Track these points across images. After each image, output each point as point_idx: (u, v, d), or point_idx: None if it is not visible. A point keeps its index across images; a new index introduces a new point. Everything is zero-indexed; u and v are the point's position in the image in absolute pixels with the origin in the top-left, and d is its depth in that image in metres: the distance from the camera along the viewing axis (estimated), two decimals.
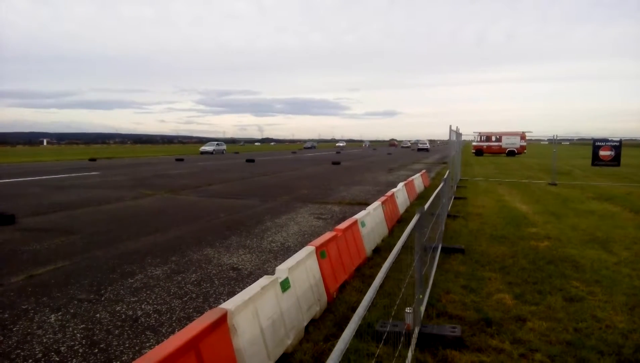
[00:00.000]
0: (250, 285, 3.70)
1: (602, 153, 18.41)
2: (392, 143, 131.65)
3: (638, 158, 35.91)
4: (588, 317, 4.51)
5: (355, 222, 6.55)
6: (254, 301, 3.43)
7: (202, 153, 54.08)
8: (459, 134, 15.81)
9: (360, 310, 1.67)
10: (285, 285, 4.01)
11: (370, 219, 7.35)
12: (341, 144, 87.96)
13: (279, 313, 3.77)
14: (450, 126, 10.04)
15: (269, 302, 3.66)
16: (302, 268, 4.49)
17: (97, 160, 37.88)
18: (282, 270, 4.15)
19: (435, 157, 46.04)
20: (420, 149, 68.70)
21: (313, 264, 4.79)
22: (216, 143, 60.79)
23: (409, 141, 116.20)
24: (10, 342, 4.04)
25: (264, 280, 3.76)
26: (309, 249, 4.84)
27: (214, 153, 54.29)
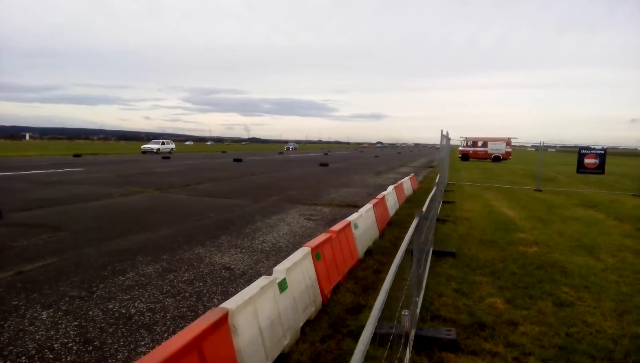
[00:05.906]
0: (243, 284, 3.70)
1: (587, 160, 18.74)
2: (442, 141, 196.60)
3: (622, 166, 36.60)
4: (578, 322, 4.59)
5: (349, 224, 6.57)
6: (253, 302, 3.43)
7: (287, 149, 74.67)
8: (447, 139, 15.96)
9: (375, 312, 1.69)
10: (283, 286, 4.01)
11: (363, 222, 7.39)
12: (190, 143, 71.34)
13: (277, 313, 3.78)
14: (442, 131, 10.16)
15: (267, 302, 3.66)
16: (298, 269, 4.49)
17: (82, 156, 37.37)
18: (280, 270, 4.15)
19: (421, 161, 46.39)
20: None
21: (309, 265, 4.80)
22: (293, 142, 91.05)
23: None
24: (2, 338, 3.97)
25: (262, 281, 3.75)
26: (304, 250, 4.84)
27: (291, 149, 76.50)
